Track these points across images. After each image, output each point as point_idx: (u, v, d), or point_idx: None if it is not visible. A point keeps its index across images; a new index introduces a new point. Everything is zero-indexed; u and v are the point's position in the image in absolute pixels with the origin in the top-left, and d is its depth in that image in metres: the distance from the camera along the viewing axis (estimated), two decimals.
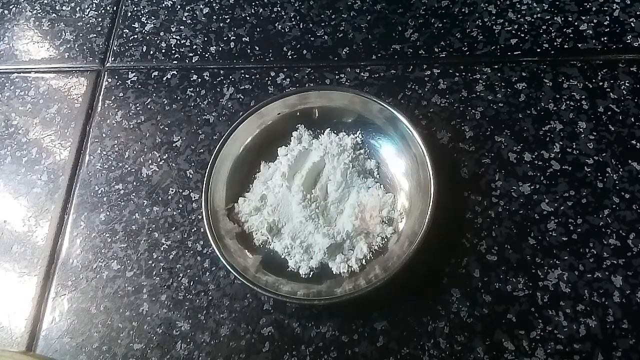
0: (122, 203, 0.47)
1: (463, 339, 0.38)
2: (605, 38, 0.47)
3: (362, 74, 0.49)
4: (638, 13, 0.47)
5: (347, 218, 0.42)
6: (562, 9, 0.49)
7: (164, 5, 0.58)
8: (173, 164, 0.49)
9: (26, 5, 0.61)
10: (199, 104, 0.51)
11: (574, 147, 0.43)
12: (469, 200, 0.42)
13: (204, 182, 0.43)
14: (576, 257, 0.39)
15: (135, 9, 0.58)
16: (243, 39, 0.54)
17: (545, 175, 0.42)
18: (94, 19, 0.58)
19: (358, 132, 0.45)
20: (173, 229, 0.46)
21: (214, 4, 0.56)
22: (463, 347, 0.38)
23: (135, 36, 0.56)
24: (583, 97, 0.45)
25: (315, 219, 0.42)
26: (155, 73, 0.54)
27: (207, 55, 0.54)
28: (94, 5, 0.59)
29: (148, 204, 0.47)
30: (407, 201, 0.42)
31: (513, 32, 0.48)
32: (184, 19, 0.56)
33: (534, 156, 0.43)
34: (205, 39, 0.54)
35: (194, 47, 0.54)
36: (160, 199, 0.47)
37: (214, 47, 0.54)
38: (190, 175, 0.48)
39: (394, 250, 0.40)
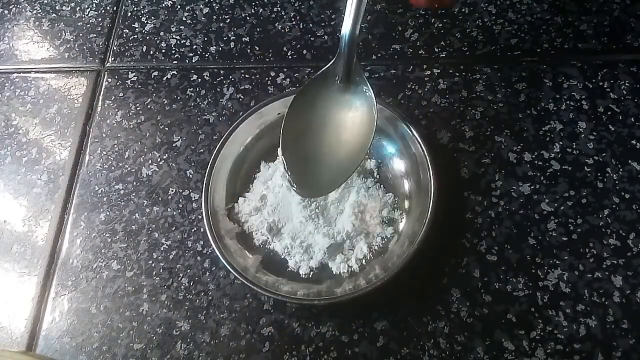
0: (122, 203, 0.47)
1: (463, 339, 0.38)
2: (605, 38, 0.46)
3: None
4: (638, 13, 0.47)
5: (347, 218, 0.41)
6: (562, 9, 0.49)
7: (164, 5, 0.58)
8: (173, 164, 0.49)
9: (26, 5, 0.61)
10: (199, 104, 0.51)
11: (574, 147, 0.43)
12: (469, 200, 0.42)
13: (204, 182, 0.43)
14: (576, 257, 0.39)
15: (135, 9, 0.58)
16: (243, 39, 0.54)
17: (545, 175, 0.42)
18: (94, 19, 0.58)
19: None
20: (173, 229, 0.46)
21: (214, 4, 0.56)
22: (463, 347, 0.38)
23: (135, 36, 0.56)
24: (583, 97, 0.45)
25: (315, 219, 0.42)
26: (155, 73, 0.54)
27: (207, 55, 0.54)
28: (94, 5, 0.59)
29: (148, 204, 0.47)
30: (407, 201, 0.42)
31: (513, 32, 0.48)
32: (184, 19, 0.56)
33: (534, 156, 0.43)
34: (205, 39, 0.54)
35: (194, 47, 0.54)
36: (160, 199, 0.47)
37: (214, 47, 0.54)
38: (190, 175, 0.48)
39: (394, 250, 0.40)
